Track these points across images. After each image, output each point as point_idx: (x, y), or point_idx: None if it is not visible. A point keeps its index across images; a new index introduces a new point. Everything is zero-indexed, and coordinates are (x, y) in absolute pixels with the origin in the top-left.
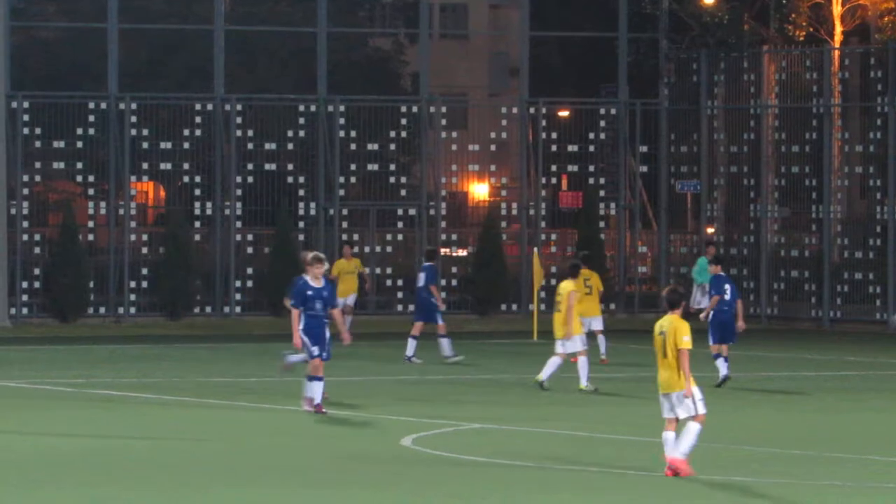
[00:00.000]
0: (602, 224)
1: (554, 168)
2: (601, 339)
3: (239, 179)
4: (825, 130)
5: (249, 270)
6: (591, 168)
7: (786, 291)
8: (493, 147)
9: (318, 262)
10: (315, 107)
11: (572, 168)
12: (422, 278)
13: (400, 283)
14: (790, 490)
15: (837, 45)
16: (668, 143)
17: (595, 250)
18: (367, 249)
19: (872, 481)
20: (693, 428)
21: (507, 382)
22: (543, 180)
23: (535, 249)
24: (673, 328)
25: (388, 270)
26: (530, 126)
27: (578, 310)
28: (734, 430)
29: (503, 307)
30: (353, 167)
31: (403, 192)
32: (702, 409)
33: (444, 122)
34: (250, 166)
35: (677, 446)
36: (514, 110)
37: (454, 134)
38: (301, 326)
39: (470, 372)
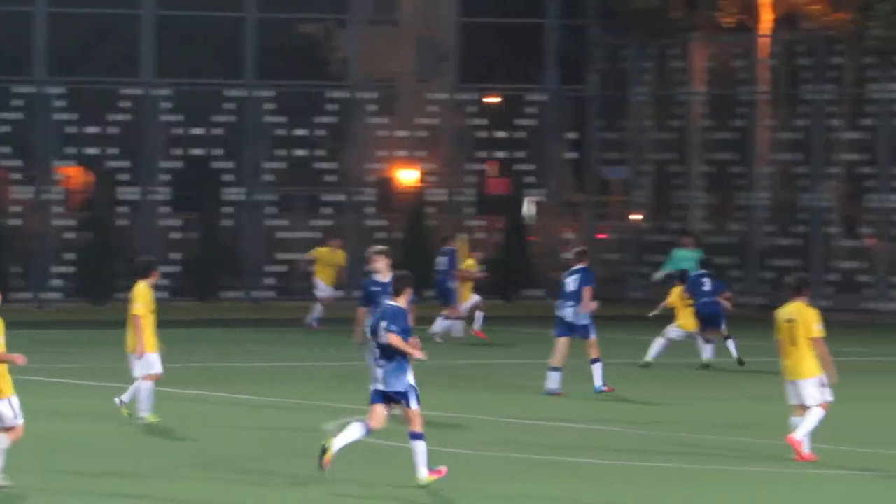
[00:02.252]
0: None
1: (483, 155)
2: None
3: (166, 164)
4: (752, 118)
5: (177, 256)
6: (520, 154)
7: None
8: (421, 133)
9: (376, 256)
10: (243, 92)
11: (501, 155)
12: (443, 262)
13: None
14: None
15: (766, 32)
16: (597, 130)
17: (522, 236)
18: (294, 235)
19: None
20: (816, 413)
21: (434, 368)
22: (471, 167)
23: (464, 236)
24: (802, 316)
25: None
26: (459, 112)
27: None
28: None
29: (430, 293)
30: (281, 153)
31: (331, 179)
32: (829, 397)
33: (372, 108)
34: (178, 151)
35: (799, 428)
36: (443, 96)
37: (383, 120)
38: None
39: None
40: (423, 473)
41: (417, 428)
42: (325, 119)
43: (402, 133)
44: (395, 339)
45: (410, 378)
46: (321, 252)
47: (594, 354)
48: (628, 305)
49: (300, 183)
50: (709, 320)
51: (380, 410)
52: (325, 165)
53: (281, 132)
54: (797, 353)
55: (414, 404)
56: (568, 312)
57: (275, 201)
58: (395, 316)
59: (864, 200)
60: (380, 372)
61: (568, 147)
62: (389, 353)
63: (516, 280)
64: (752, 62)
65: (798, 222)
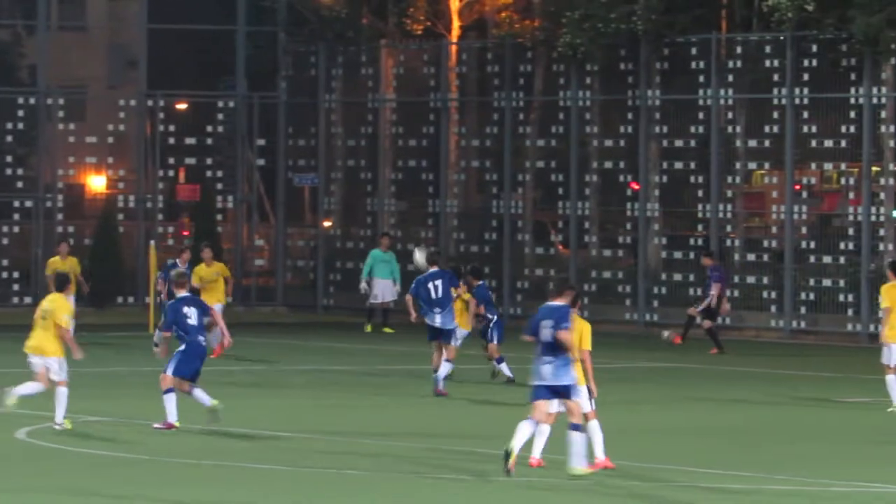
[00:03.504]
0: (219, 217)
1: (172, 161)
2: None
3: None
4: (442, 125)
5: None
6: (209, 161)
7: (405, 286)
8: (111, 139)
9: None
10: None
11: (190, 161)
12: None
13: (16, 275)
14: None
15: (455, 39)
16: (286, 137)
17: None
18: None
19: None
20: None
21: (123, 375)
22: (161, 173)
23: (152, 242)
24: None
25: (5, 262)
26: (148, 118)
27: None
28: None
29: (119, 300)
30: None
31: (20, 185)
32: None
33: (62, 113)
34: None
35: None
36: (133, 103)
37: (72, 126)
38: None
39: (86, 365)
40: (581, 463)
41: (577, 420)
42: (14, 125)
43: (91, 139)
44: (565, 336)
45: (574, 373)
46: (54, 263)
47: (450, 356)
48: (319, 312)
49: None
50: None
51: (542, 406)
52: (14, 171)
53: None
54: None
55: (576, 397)
56: (437, 318)
57: None
58: (564, 315)
59: (555, 208)
60: (547, 368)
61: (258, 153)
62: (555, 350)
63: None
64: (442, 69)
65: (489, 229)
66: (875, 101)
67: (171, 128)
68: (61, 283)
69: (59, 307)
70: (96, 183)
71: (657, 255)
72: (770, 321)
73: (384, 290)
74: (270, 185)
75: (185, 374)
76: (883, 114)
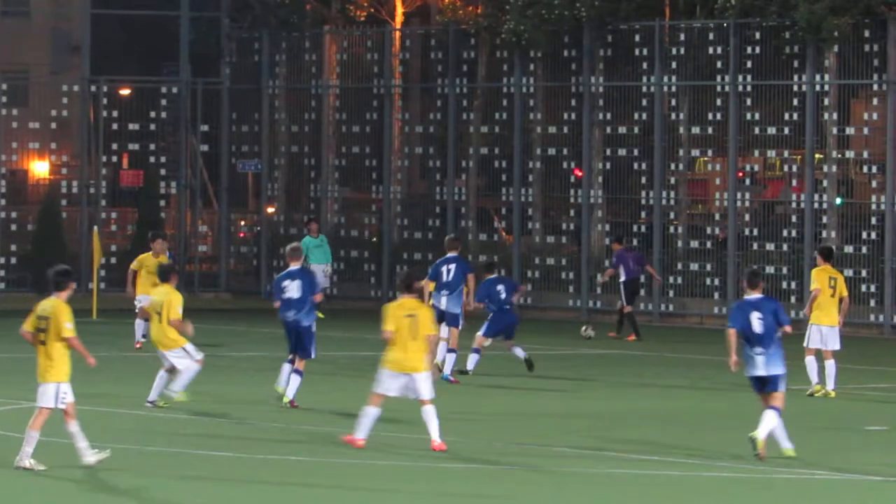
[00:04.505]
0: (163, 203)
1: (115, 146)
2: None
3: None
4: (386, 111)
5: None
6: (153, 147)
7: (346, 271)
8: (54, 125)
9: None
10: None
11: (133, 147)
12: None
13: None
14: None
15: (398, 25)
16: (230, 123)
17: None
18: None
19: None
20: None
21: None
22: (104, 159)
23: (96, 228)
24: None
25: None
26: (91, 104)
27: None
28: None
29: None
30: None
31: None
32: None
33: (4, 99)
34: None
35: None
36: (76, 88)
37: (15, 111)
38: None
39: (26, 350)
40: (788, 445)
41: (780, 404)
42: None
43: (34, 125)
44: (789, 329)
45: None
46: (146, 260)
47: (452, 344)
48: (263, 299)
49: None
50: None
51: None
52: None
53: None
54: (415, 346)
55: (783, 387)
56: (443, 300)
57: None
58: (780, 308)
59: (498, 195)
60: (761, 359)
61: (201, 139)
62: (768, 341)
63: None
64: (385, 56)
65: (432, 216)
66: (818, 88)
67: (115, 113)
68: (165, 273)
69: (172, 300)
70: (39, 168)
71: (600, 242)
72: (713, 308)
73: (319, 276)
74: (214, 171)
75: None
76: (826, 101)
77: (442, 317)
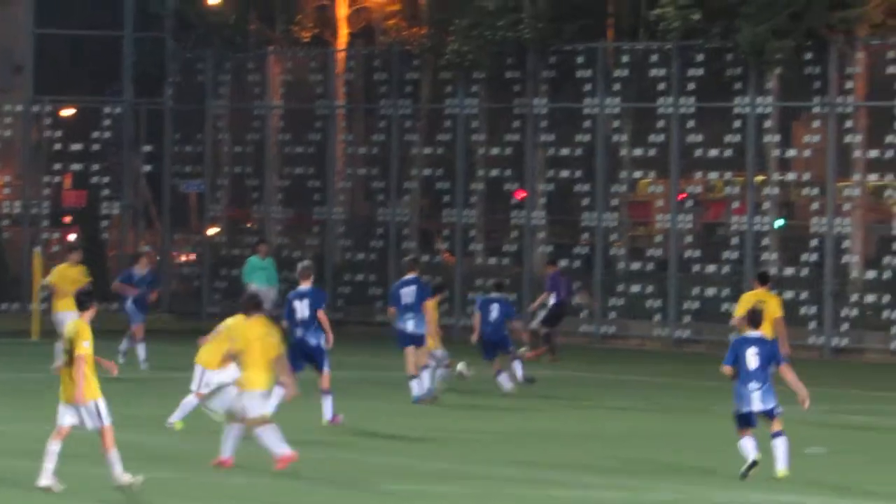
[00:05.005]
0: (105, 223)
1: (58, 167)
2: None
3: None
4: (329, 132)
5: None
6: (96, 167)
7: (286, 293)
8: None
9: None
10: None
11: (77, 167)
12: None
13: None
14: None
15: (342, 46)
16: (173, 143)
17: (98, 249)
18: None
19: None
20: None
21: (5, 381)
22: (47, 179)
23: (38, 248)
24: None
25: None
26: (34, 124)
27: None
28: None
29: (4, 306)
30: None
31: None
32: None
33: None
34: None
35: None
36: (19, 108)
37: None
38: None
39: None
40: (781, 466)
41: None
42: None
43: None
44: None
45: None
46: (61, 271)
47: (423, 362)
48: (205, 320)
49: None
50: (495, 346)
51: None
52: None
53: None
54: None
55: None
56: (409, 324)
57: None
58: (776, 349)
59: (440, 216)
60: (756, 395)
61: (144, 160)
62: (762, 377)
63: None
64: (329, 76)
65: (375, 237)
66: (760, 110)
67: (58, 133)
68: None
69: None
70: None
71: (542, 264)
72: (654, 330)
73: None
74: (157, 192)
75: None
76: (767, 123)
77: (410, 340)
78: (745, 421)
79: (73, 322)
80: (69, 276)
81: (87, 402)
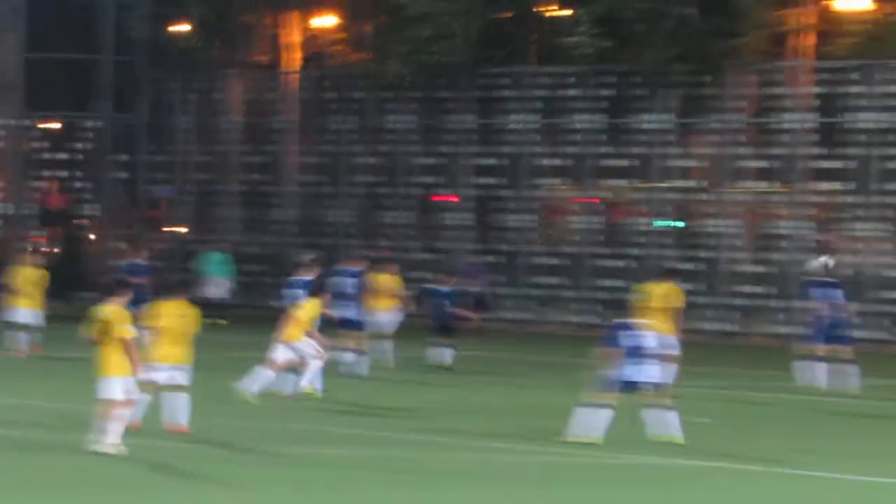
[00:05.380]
0: (86, 223)
1: (44, 174)
2: None
3: None
4: (283, 144)
5: None
6: (78, 174)
7: (248, 283)
8: None
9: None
10: None
11: (61, 174)
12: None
13: None
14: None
15: (294, 69)
16: (146, 153)
17: (79, 246)
18: None
19: None
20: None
21: None
22: (34, 185)
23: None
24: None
25: None
26: (23, 136)
27: None
28: None
29: None
30: None
31: None
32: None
33: None
34: None
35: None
36: (10, 122)
37: None
38: None
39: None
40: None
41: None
42: None
43: None
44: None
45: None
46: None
47: (364, 347)
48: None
49: None
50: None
51: None
52: None
53: None
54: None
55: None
56: (352, 312)
57: None
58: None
59: (380, 216)
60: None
61: (120, 168)
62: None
63: (73, 284)
64: (281, 95)
65: (322, 235)
66: (662, 126)
67: (45, 144)
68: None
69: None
70: None
71: (468, 258)
72: (568, 317)
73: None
74: (132, 196)
75: None
76: (669, 137)
77: (348, 324)
78: (628, 387)
79: (111, 307)
80: (30, 277)
81: (130, 377)
